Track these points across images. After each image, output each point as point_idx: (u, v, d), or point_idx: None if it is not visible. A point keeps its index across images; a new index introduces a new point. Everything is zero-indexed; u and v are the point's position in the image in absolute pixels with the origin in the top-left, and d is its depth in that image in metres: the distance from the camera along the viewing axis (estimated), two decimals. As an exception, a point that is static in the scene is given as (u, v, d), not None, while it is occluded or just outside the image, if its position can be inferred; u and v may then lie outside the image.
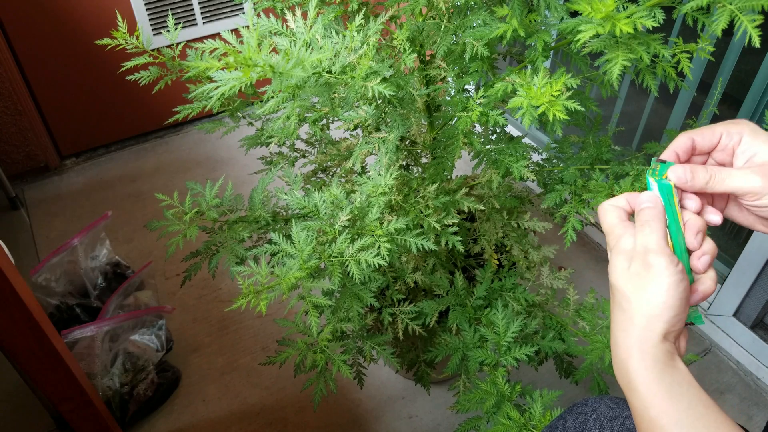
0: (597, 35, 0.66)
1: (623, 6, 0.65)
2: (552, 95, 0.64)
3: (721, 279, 1.57)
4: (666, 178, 0.53)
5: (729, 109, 1.48)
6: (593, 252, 1.86)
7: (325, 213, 0.80)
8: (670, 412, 0.47)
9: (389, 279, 1.05)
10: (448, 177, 1.01)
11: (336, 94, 0.77)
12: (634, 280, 0.50)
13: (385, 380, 1.53)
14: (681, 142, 0.55)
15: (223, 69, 0.60)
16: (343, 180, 1.09)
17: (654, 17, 0.66)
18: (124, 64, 0.87)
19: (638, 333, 0.49)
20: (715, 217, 0.55)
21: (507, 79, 0.77)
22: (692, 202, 0.54)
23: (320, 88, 0.69)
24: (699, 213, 0.55)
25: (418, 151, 1.11)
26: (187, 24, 2.14)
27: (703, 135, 0.54)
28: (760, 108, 1.36)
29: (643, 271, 0.49)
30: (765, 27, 0.68)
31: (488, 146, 1.02)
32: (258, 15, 0.75)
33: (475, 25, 0.80)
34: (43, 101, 2.09)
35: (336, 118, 0.99)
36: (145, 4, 2.03)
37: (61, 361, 1.04)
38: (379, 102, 0.88)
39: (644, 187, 0.64)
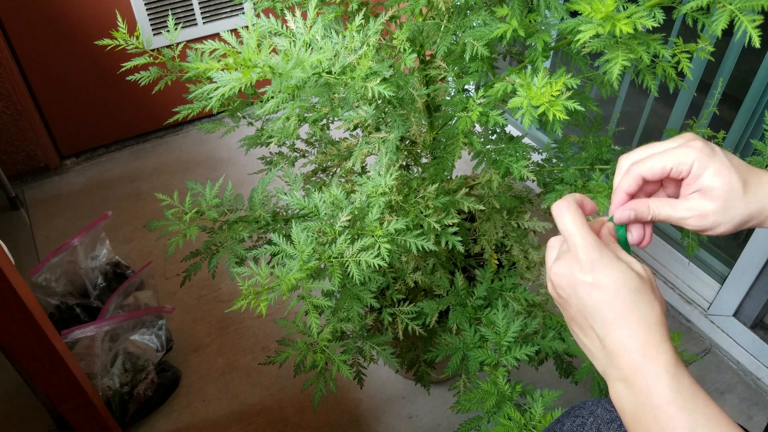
0: (597, 35, 0.65)
1: (623, 6, 0.65)
2: (552, 95, 0.64)
3: (721, 279, 1.57)
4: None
5: (729, 109, 1.48)
6: (593, 252, 1.86)
7: (325, 213, 0.80)
8: (683, 417, 0.47)
9: (389, 279, 1.05)
10: (448, 177, 1.01)
11: (336, 95, 0.77)
12: (641, 291, 0.52)
13: (385, 380, 1.53)
14: (628, 184, 0.58)
15: (222, 70, 0.60)
16: (343, 180, 1.09)
17: (654, 17, 0.66)
18: (124, 64, 0.87)
19: (655, 336, 0.50)
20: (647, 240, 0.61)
21: (507, 79, 0.77)
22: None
23: (320, 88, 0.69)
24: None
25: (418, 151, 1.11)
26: (187, 24, 2.14)
27: (653, 170, 0.56)
28: (760, 108, 1.36)
29: (646, 286, 0.52)
30: (765, 27, 0.68)
31: (488, 146, 1.02)
32: (258, 15, 0.75)
33: (475, 25, 0.80)
34: (43, 101, 2.09)
35: (336, 118, 0.99)
36: (145, 4, 2.03)
37: (61, 361, 1.04)
38: (379, 102, 0.88)
39: None
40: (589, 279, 0.52)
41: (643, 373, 0.49)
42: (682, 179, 0.56)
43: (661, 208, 0.56)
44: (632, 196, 0.59)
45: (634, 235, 0.59)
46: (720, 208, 0.54)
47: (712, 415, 0.47)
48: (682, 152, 0.54)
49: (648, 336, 0.50)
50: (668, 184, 0.60)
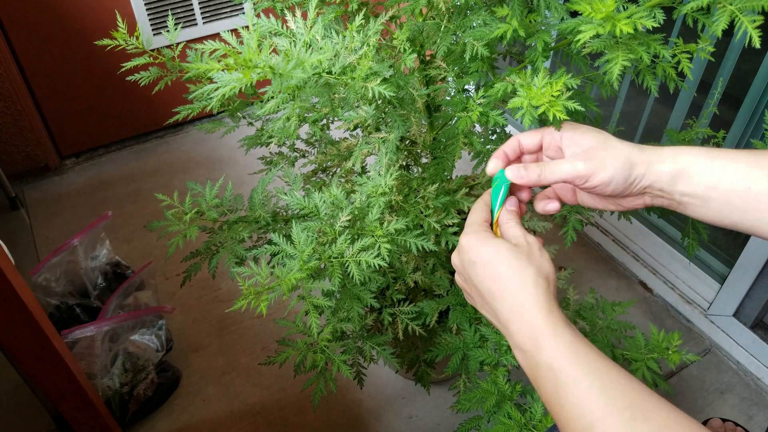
0: (597, 35, 0.65)
1: (623, 6, 0.65)
2: (552, 95, 0.64)
3: (721, 279, 1.57)
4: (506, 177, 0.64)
5: (729, 109, 1.48)
6: (593, 252, 1.86)
7: (325, 213, 0.80)
8: (572, 369, 0.50)
9: (389, 279, 1.05)
10: (448, 177, 1.01)
11: (336, 95, 0.77)
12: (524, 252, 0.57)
13: (385, 380, 1.53)
14: (509, 143, 0.65)
15: (223, 70, 0.60)
16: (343, 180, 1.09)
17: (654, 17, 0.66)
18: (124, 64, 0.87)
19: (544, 293, 0.54)
20: (552, 206, 0.67)
21: (507, 79, 0.77)
22: (524, 194, 0.66)
23: (320, 88, 0.69)
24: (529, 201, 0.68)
25: (418, 151, 1.11)
26: (187, 24, 2.14)
27: (528, 136, 0.65)
28: (760, 108, 1.36)
29: (527, 247, 0.58)
30: (765, 27, 0.68)
31: (488, 146, 1.02)
32: (258, 15, 0.75)
33: (475, 25, 0.80)
34: (43, 101, 2.09)
35: (336, 119, 0.99)
36: (145, 4, 2.03)
37: (61, 361, 1.04)
38: (379, 102, 0.88)
39: None
40: (472, 257, 0.58)
41: (528, 337, 0.53)
42: (539, 151, 0.66)
43: (548, 163, 0.61)
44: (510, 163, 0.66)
45: (511, 198, 0.64)
46: (599, 145, 0.59)
47: (598, 363, 0.49)
48: (537, 130, 0.65)
49: (526, 301, 0.54)
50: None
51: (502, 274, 0.56)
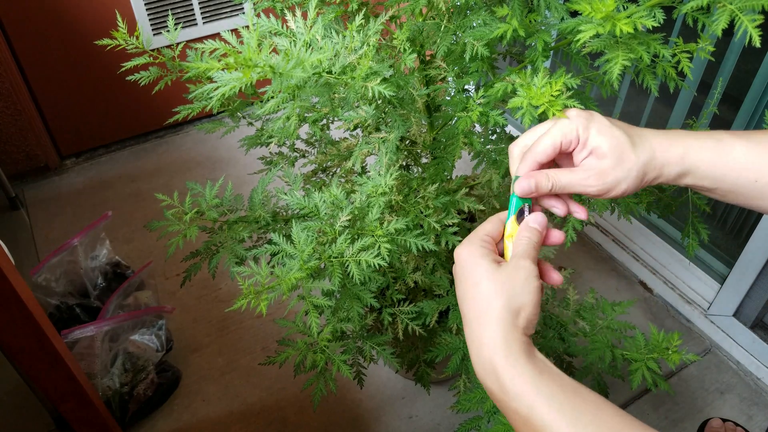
0: (597, 35, 0.65)
1: (623, 6, 0.65)
2: (552, 95, 0.64)
3: (721, 279, 1.57)
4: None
5: (729, 109, 1.48)
6: (593, 252, 1.86)
7: (325, 213, 0.80)
8: (544, 407, 0.47)
9: (389, 279, 1.05)
10: (448, 177, 1.01)
11: (336, 95, 0.77)
12: (501, 276, 0.52)
13: (385, 380, 1.53)
14: (527, 168, 0.58)
15: (223, 70, 0.60)
16: (343, 180, 1.09)
17: (654, 17, 0.66)
18: (124, 64, 0.87)
19: (503, 329, 0.51)
20: (580, 214, 0.60)
21: (507, 79, 0.77)
22: (558, 206, 0.59)
23: (320, 88, 0.69)
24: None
25: (418, 151, 1.11)
26: (187, 24, 2.14)
27: (545, 151, 0.57)
28: (760, 108, 1.36)
29: (513, 272, 0.53)
30: (765, 27, 0.68)
31: (488, 146, 1.02)
32: (258, 15, 0.75)
33: (475, 25, 0.80)
34: (43, 101, 2.09)
35: (336, 118, 0.99)
36: (145, 4, 2.03)
37: (61, 361, 1.04)
38: (379, 102, 0.88)
39: None
40: (456, 269, 0.56)
41: (489, 372, 0.50)
42: (573, 150, 0.57)
43: (560, 175, 0.56)
44: None
45: (536, 214, 0.58)
46: (614, 163, 0.54)
47: (564, 397, 0.47)
48: (563, 124, 0.56)
49: (484, 337, 0.51)
50: (562, 161, 0.60)
51: (471, 298, 0.53)
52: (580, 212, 0.59)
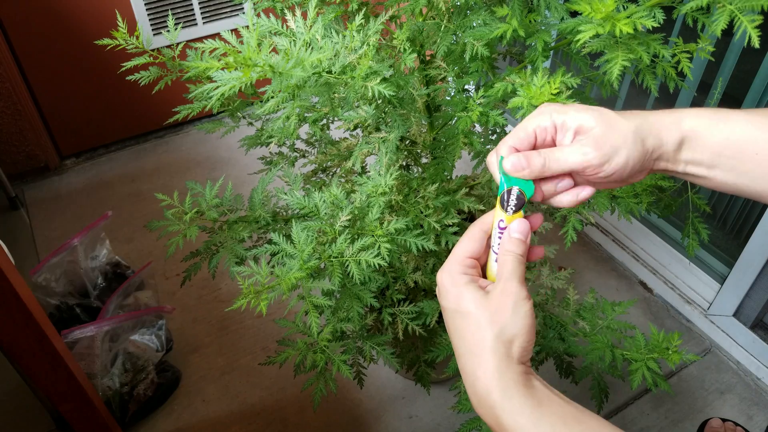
0: (597, 35, 0.66)
1: (623, 6, 0.65)
2: (551, 94, 0.64)
3: (721, 279, 1.57)
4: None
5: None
6: (593, 252, 1.86)
7: (325, 213, 0.80)
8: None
9: (389, 279, 1.05)
10: (448, 177, 1.01)
11: (336, 94, 0.77)
12: (492, 305, 0.50)
13: (385, 380, 1.53)
14: (516, 134, 0.54)
15: (223, 69, 0.60)
16: (343, 180, 1.09)
17: (654, 17, 0.66)
18: (124, 64, 0.87)
19: (497, 362, 0.49)
20: (585, 192, 0.54)
21: (507, 79, 0.77)
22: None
23: (320, 88, 0.69)
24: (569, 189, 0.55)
25: (418, 151, 1.11)
26: (187, 24, 2.14)
27: (518, 137, 0.53)
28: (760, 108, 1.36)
29: (501, 298, 0.50)
30: (765, 27, 0.68)
31: (488, 146, 1.02)
32: (258, 15, 0.75)
33: (475, 25, 0.80)
34: (43, 101, 2.09)
35: (336, 118, 0.99)
36: (145, 4, 2.03)
37: (61, 361, 1.04)
38: (379, 102, 0.88)
39: None
40: (441, 299, 0.53)
41: (484, 406, 0.49)
42: (554, 139, 0.54)
43: (553, 151, 0.52)
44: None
45: (519, 221, 0.54)
46: (605, 129, 0.51)
47: (563, 416, 0.46)
48: (536, 113, 0.53)
49: (478, 371, 0.49)
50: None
51: (462, 331, 0.51)
52: (586, 189, 0.54)
